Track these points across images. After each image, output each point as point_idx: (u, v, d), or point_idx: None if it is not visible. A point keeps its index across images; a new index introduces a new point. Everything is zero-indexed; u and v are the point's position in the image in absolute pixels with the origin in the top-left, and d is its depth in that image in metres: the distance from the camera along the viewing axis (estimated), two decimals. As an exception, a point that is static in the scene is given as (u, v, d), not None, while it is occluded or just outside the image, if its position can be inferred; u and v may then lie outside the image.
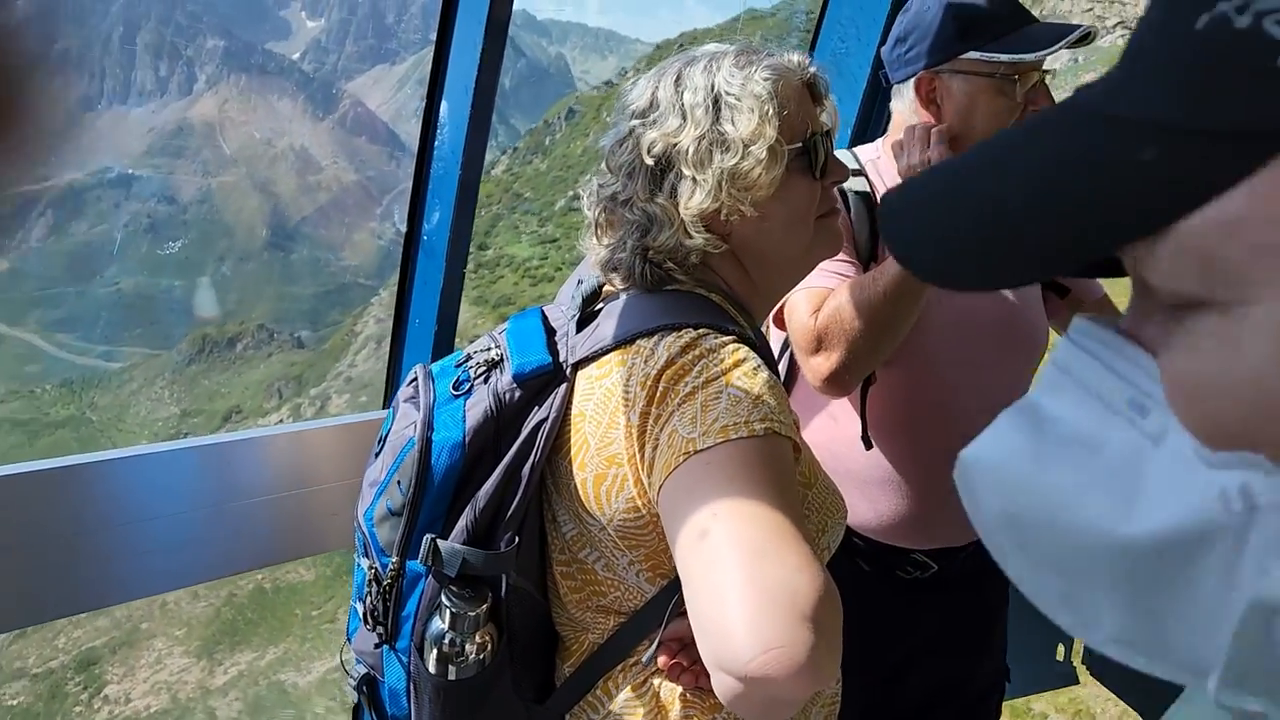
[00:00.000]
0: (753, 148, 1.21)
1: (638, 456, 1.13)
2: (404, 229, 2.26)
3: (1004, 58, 1.75)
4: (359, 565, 1.35)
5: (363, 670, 1.40)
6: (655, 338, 1.17)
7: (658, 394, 1.12)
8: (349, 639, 1.44)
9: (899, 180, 1.88)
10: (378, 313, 38.68)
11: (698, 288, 1.28)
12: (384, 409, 2.35)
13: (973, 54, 1.77)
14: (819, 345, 1.69)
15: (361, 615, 1.32)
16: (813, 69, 1.32)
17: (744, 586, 0.89)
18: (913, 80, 1.85)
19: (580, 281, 1.35)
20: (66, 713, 22.89)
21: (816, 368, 1.69)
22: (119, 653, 24.16)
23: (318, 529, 2.11)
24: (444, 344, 2.26)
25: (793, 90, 1.27)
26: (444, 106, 2.15)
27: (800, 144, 1.27)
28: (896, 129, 1.92)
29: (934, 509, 1.89)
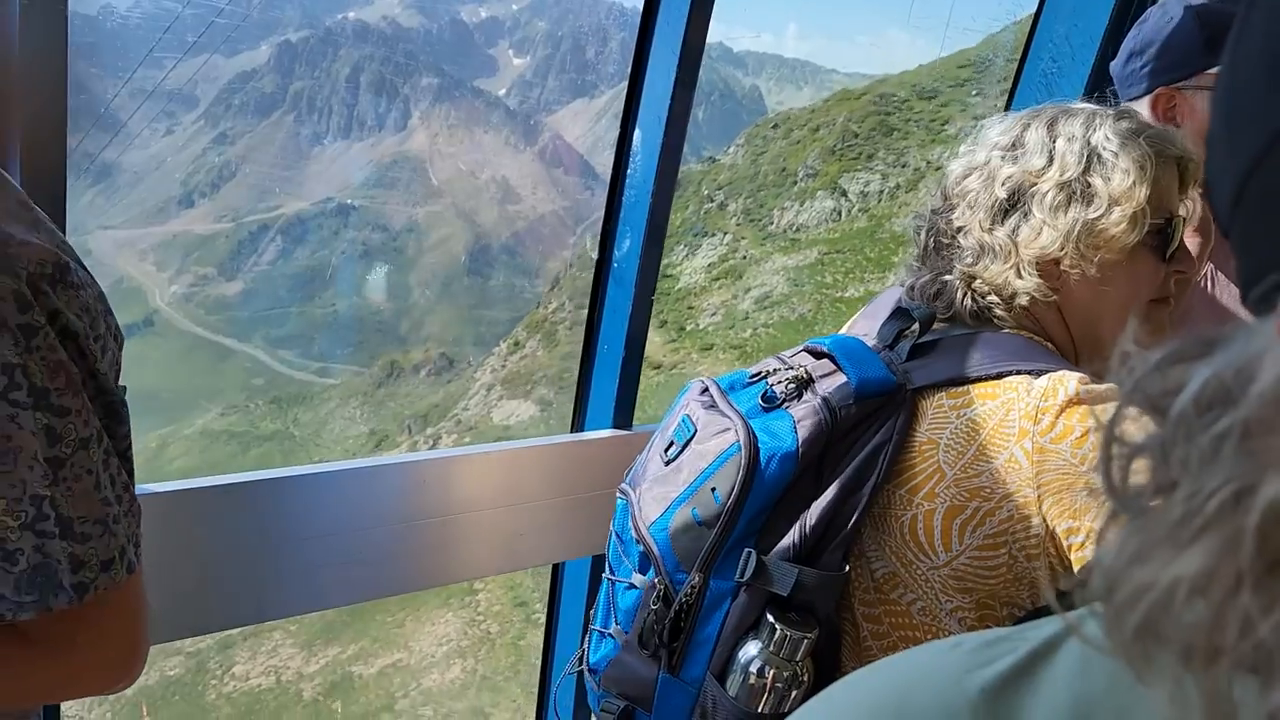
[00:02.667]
0: (1118, 208, 1.19)
1: (1028, 488, 1.09)
2: (595, 257, 2.30)
3: None
4: (621, 586, 1.30)
5: (619, 704, 1.30)
6: (1034, 376, 1.15)
7: (1059, 429, 1.09)
8: (591, 667, 1.37)
9: None
10: (494, 363, 40.03)
11: (1029, 332, 1.26)
12: (573, 431, 2.38)
13: None
14: None
15: (634, 640, 1.25)
16: (1192, 155, 1.29)
17: None
18: (1149, 97, 1.71)
19: (903, 309, 1.30)
20: (205, 684, 27.30)
21: None
22: (248, 640, 28.55)
23: (503, 549, 2.14)
24: (631, 368, 2.27)
25: (1169, 167, 1.25)
26: (637, 135, 2.17)
27: (1162, 221, 1.24)
28: None
29: None
